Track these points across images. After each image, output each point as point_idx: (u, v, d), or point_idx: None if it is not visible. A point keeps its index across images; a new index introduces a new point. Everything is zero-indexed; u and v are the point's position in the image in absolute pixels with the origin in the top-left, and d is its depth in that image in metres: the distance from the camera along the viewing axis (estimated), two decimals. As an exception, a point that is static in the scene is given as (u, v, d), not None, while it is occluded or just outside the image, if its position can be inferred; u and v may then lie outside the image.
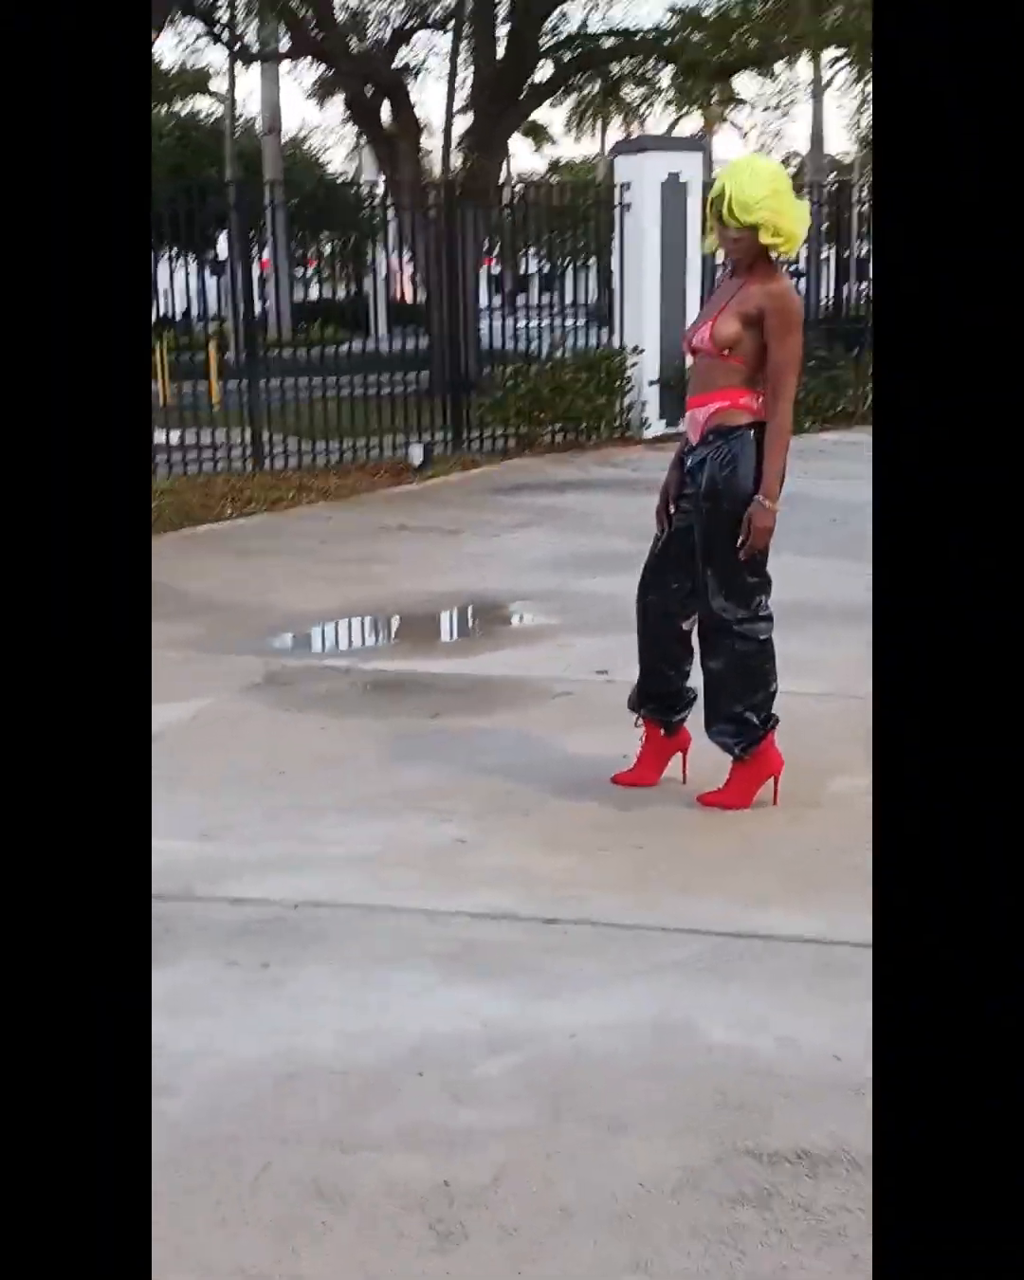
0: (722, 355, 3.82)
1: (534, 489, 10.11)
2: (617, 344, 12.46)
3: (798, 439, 12.68)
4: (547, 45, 16.74)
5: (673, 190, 12.25)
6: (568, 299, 14.17)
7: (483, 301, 15.57)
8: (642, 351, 12.24)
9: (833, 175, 32.20)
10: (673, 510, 4.01)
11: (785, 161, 33.82)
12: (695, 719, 4.13)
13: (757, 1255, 2.19)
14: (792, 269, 14.29)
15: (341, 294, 20.75)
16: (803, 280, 15.28)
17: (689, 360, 4.01)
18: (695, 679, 4.13)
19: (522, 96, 16.69)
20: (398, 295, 24.21)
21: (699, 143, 13.44)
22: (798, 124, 62.66)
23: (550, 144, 39.94)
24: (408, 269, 18.97)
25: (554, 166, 42.13)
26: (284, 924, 3.39)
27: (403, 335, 14.42)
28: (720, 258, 3.96)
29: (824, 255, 16.74)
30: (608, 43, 17.42)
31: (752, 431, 3.83)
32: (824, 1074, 2.68)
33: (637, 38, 17.36)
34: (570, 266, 14.54)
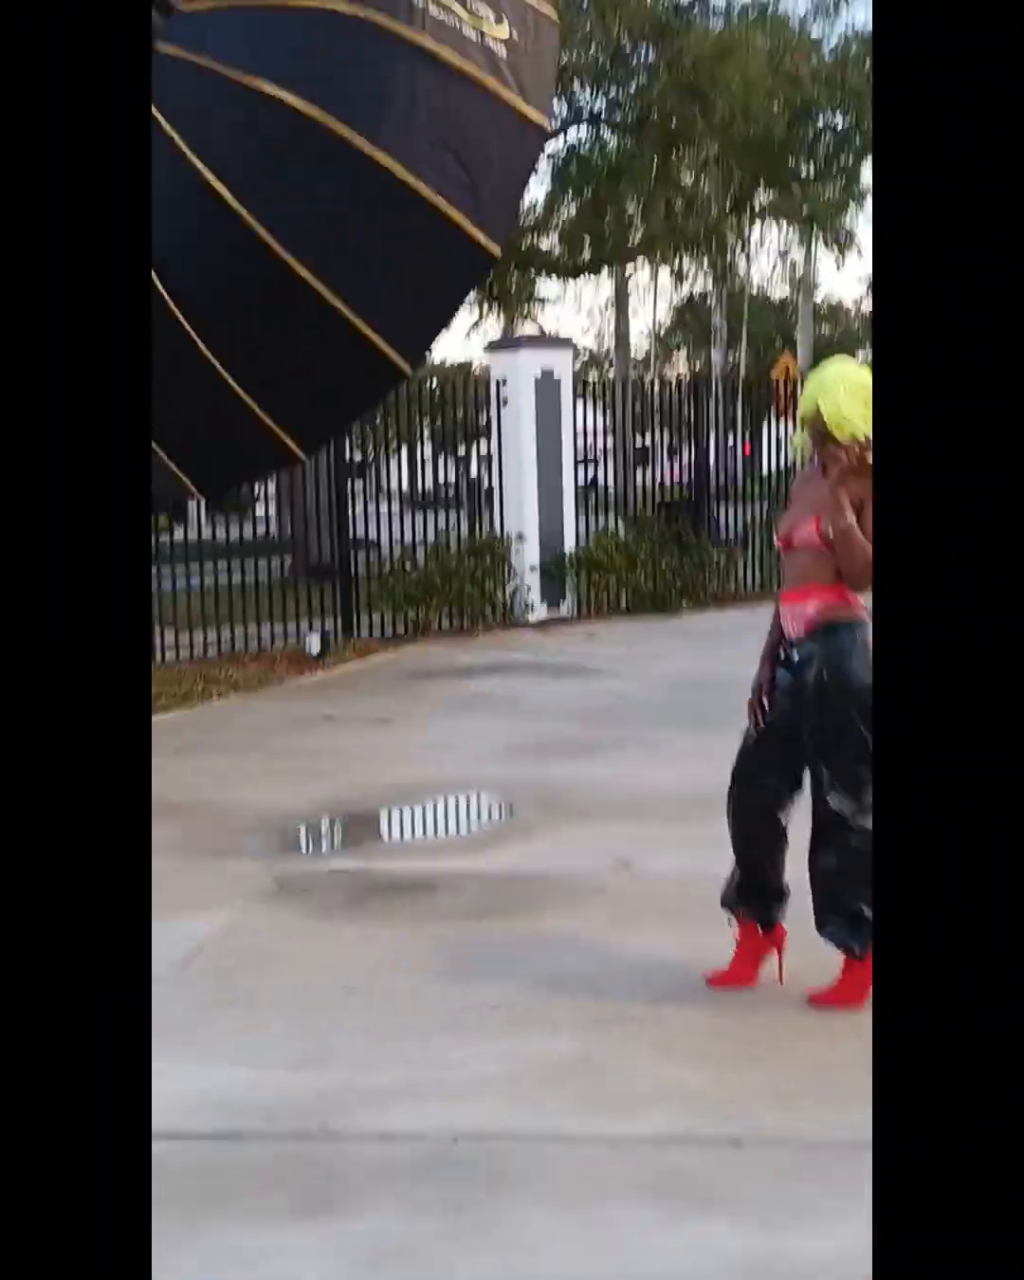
0: (829, 549, 3.84)
1: (444, 675, 10.04)
2: (499, 531, 12.60)
3: (682, 621, 13.00)
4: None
5: (547, 386, 12.60)
6: (432, 487, 14.33)
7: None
8: (524, 538, 12.40)
9: (635, 372, 33.68)
10: (767, 706, 3.98)
11: (586, 359, 35.30)
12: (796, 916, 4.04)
13: None
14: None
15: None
16: (651, 469, 15.74)
17: (783, 556, 4.03)
18: (789, 874, 4.06)
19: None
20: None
21: (568, 341, 13.87)
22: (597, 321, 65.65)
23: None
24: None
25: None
26: (451, 1159, 3.14)
27: (226, 523, 13.57)
28: (807, 455, 4.02)
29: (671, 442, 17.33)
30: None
31: (860, 626, 3.85)
32: None
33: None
34: (439, 456, 14.76)
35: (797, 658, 3.91)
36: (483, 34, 2.38)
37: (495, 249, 2.40)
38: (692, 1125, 3.27)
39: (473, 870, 5.32)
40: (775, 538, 4.07)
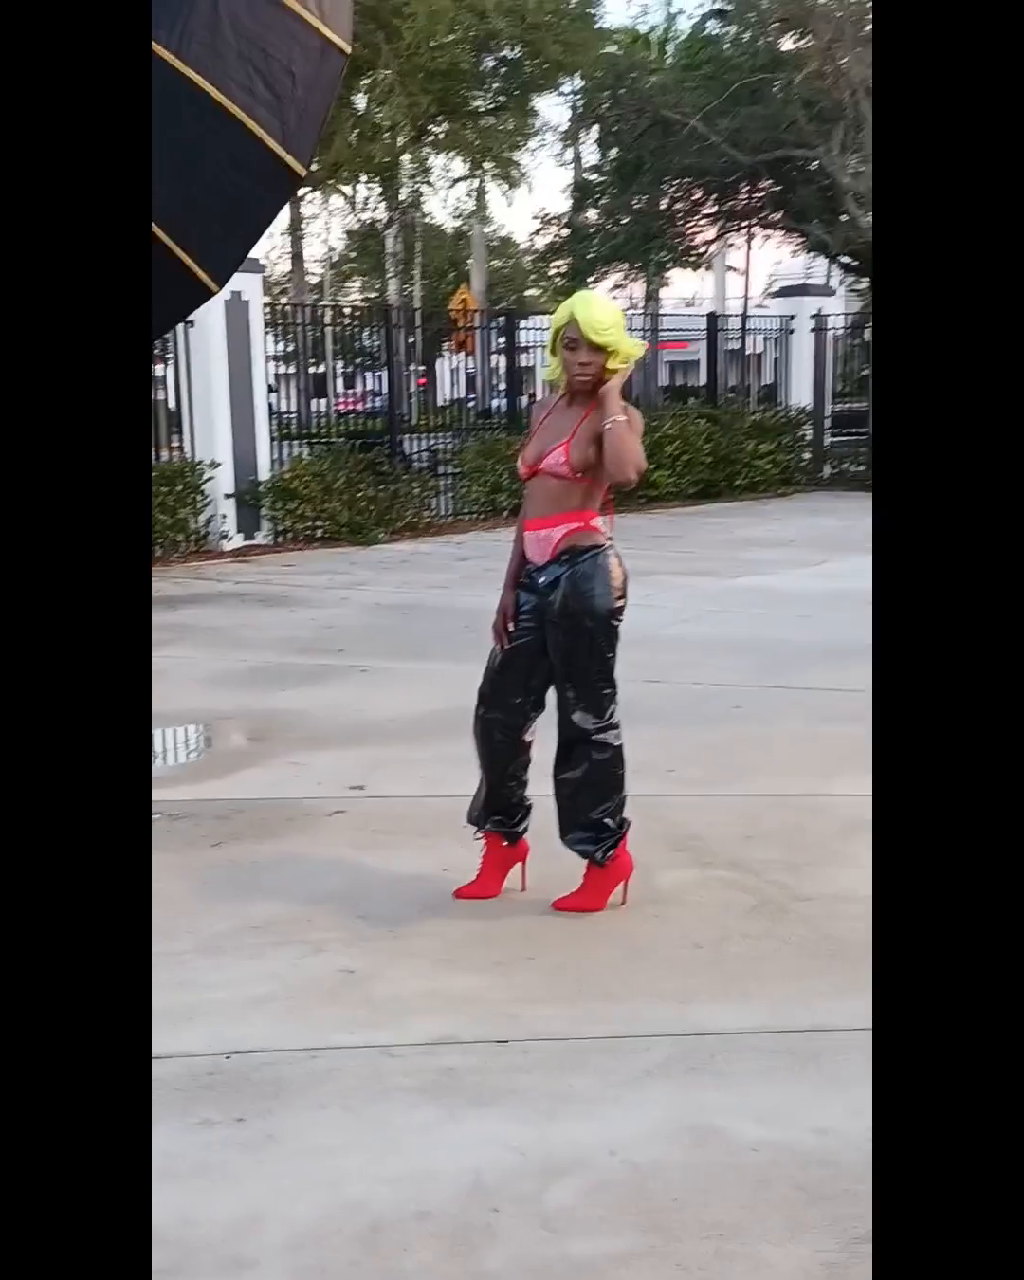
0: (576, 478, 3.99)
1: (143, 606, 9.82)
2: (191, 457, 12.35)
3: (378, 551, 13.09)
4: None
5: (236, 308, 12.36)
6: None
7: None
8: (218, 465, 12.20)
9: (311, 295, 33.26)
10: (511, 627, 4.12)
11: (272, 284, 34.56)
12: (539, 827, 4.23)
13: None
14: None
15: None
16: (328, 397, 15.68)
17: (527, 483, 4.15)
18: (533, 789, 4.23)
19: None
20: None
21: (258, 265, 13.60)
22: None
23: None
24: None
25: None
26: (230, 1075, 3.19)
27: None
28: (560, 385, 4.13)
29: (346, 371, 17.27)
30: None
31: (604, 552, 4.02)
32: (872, 1154, 2.84)
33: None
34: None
35: (541, 582, 4.05)
36: (284, -48, 2.37)
37: (303, 169, 2.40)
38: (456, 1029, 3.41)
39: (208, 798, 5.31)
40: (520, 465, 4.19)
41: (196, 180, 2.42)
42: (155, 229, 2.20)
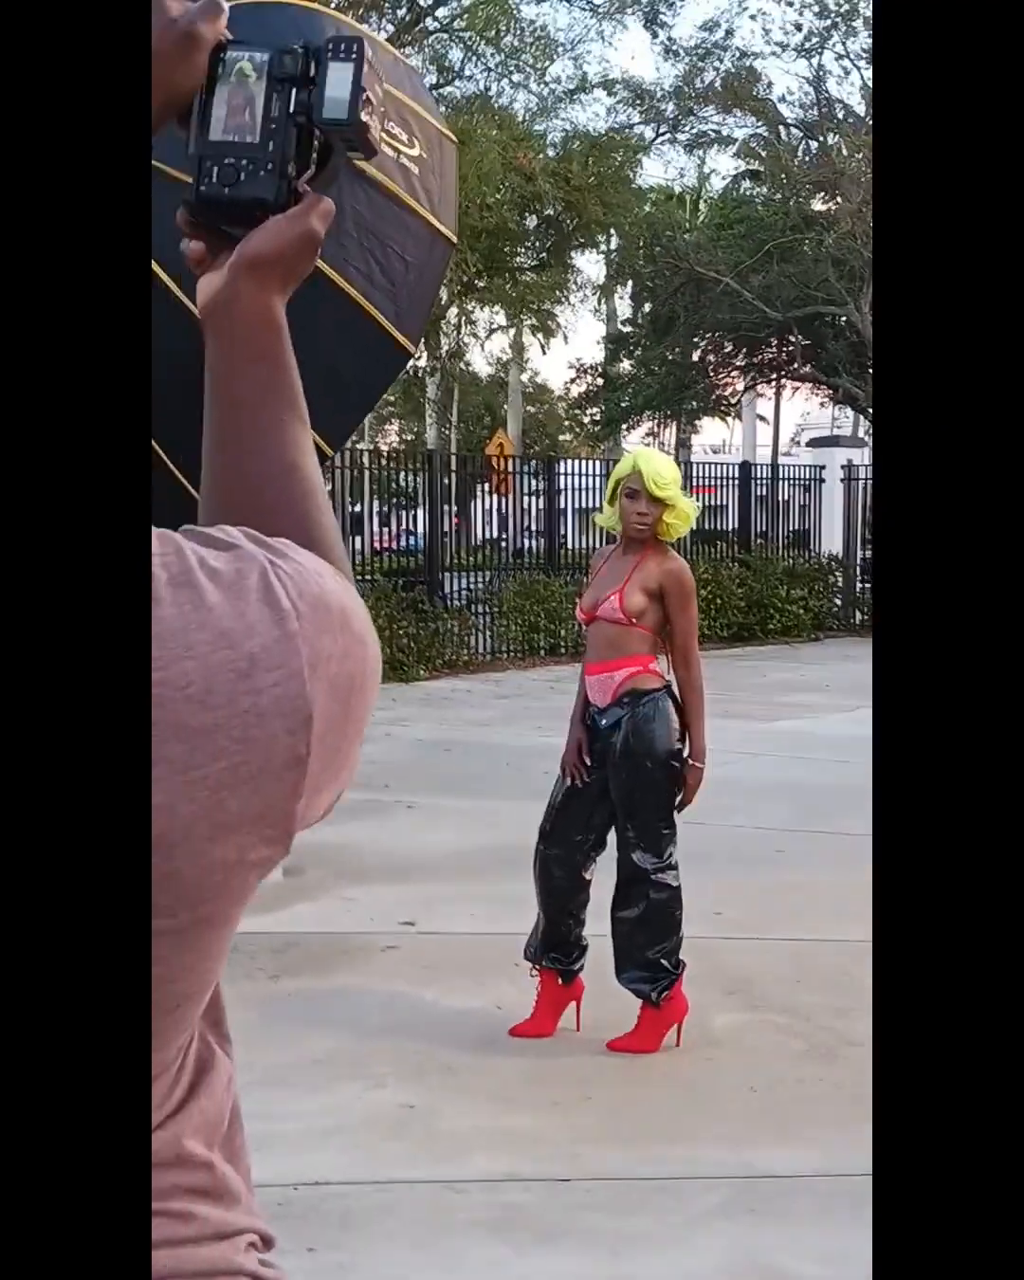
0: (630, 624, 4.16)
1: None
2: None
3: (418, 688, 13.18)
4: None
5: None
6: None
7: None
8: (263, 603, 12.47)
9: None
10: (587, 763, 4.23)
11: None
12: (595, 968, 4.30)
13: None
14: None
15: None
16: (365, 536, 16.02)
17: (586, 628, 4.32)
18: (590, 929, 4.32)
19: None
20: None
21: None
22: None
23: None
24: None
25: None
26: (297, 1206, 3.25)
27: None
28: (617, 532, 4.33)
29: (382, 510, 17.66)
30: None
31: (662, 694, 4.17)
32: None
33: None
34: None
35: (603, 723, 4.20)
36: (399, 153, 2.60)
37: (412, 347, 2.61)
38: (517, 1167, 3.47)
39: (262, 931, 5.39)
40: (578, 611, 4.38)
41: (313, 355, 2.66)
42: None
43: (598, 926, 4.28)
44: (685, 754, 4.12)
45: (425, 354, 28.44)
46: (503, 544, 19.05)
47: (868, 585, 20.44)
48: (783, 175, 25.20)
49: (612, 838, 4.24)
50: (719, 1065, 4.12)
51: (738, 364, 30.45)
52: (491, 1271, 2.98)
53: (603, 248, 28.19)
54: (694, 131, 26.66)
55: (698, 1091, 3.94)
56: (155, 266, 2.28)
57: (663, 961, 4.17)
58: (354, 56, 1.04)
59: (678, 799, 4.10)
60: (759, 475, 20.37)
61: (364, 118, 1.04)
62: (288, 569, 0.82)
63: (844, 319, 23.42)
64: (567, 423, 44.66)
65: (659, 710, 4.15)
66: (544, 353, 53.09)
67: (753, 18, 38.52)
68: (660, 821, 4.14)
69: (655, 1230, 3.16)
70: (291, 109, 1.03)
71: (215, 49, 1.01)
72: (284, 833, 0.84)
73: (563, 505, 18.12)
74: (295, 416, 1.00)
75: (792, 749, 9.65)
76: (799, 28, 24.76)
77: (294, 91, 1.03)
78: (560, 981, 4.34)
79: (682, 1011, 4.22)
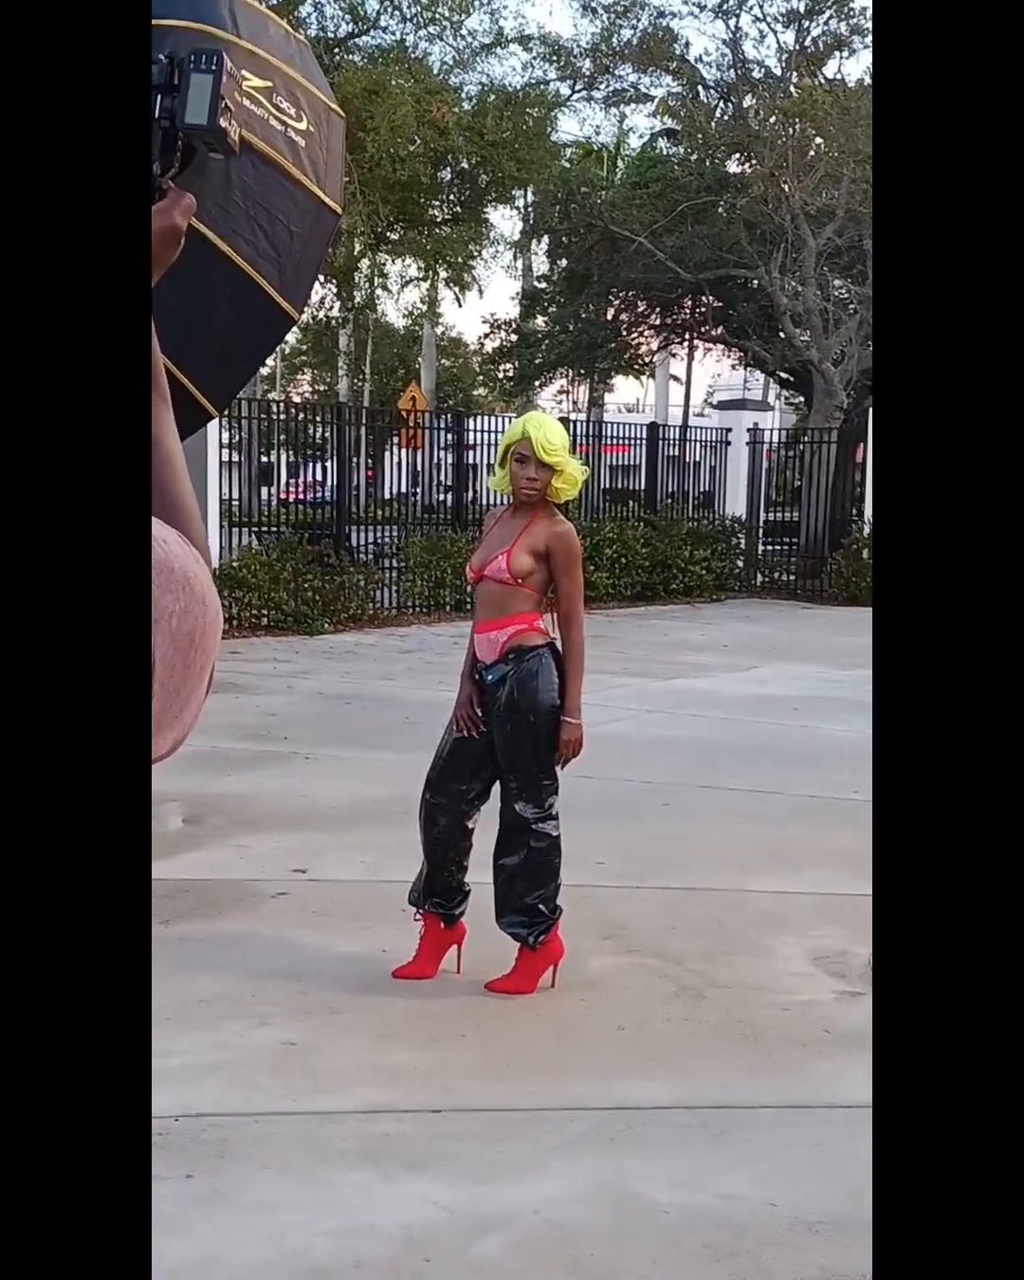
0: (515, 583, 4.31)
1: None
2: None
3: (322, 641, 13.23)
4: None
5: (194, 401, 12.69)
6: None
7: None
8: (167, 553, 12.45)
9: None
10: (478, 715, 4.37)
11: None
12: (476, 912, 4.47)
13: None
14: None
15: None
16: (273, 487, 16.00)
17: (475, 587, 4.46)
18: (472, 876, 4.48)
19: None
20: None
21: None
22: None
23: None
24: None
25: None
26: (177, 1137, 3.39)
27: None
28: (505, 495, 4.46)
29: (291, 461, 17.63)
30: None
31: (546, 651, 4.32)
32: (775, 1219, 3.08)
33: None
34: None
35: (489, 679, 4.34)
36: (287, 127, 2.70)
37: (296, 313, 2.72)
38: (393, 1099, 3.63)
39: (157, 878, 5.49)
40: (468, 571, 4.51)
41: (201, 320, 2.77)
42: (171, 367, 2.54)
43: (481, 875, 4.44)
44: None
45: (337, 305, 28.31)
46: (413, 499, 19.12)
47: (768, 547, 20.77)
48: (699, 135, 25.30)
49: (497, 789, 4.39)
50: (591, 1005, 4.31)
51: (651, 323, 30.63)
52: (359, 1195, 3.15)
53: (518, 203, 28.16)
54: (611, 89, 26.65)
55: (569, 1030, 4.13)
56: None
57: (540, 907, 4.34)
58: (214, 68, 1.17)
59: (559, 756, 4.26)
60: (667, 436, 20.57)
61: (222, 123, 1.17)
62: None
63: (755, 282, 23.61)
64: (481, 377, 44.62)
65: (542, 666, 4.30)
66: (460, 306, 52.88)
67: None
68: (541, 773, 4.29)
69: (521, 1158, 3.34)
70: (157, 114, 1.15)
71: None
72: None
73: (474, 461, 18.20)
74: (157, 394, 1.11)
75: (686, 707, 9.88)
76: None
77: (160, 98, 1.16)
78: (443, 925, 4.49)
79: (558, 954, 4.40)
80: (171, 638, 0.96)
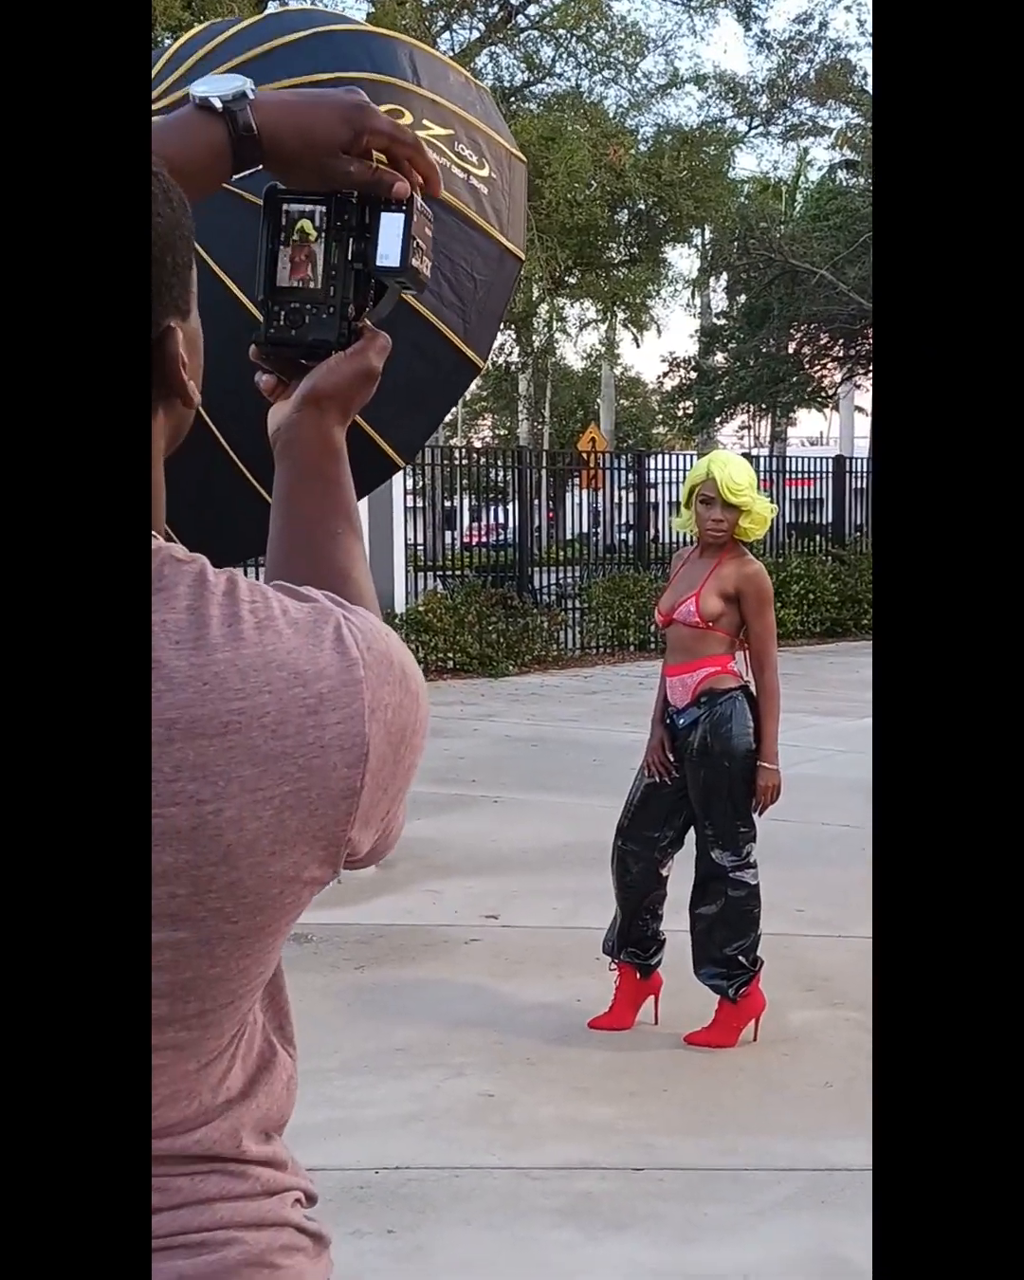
0: (706, 627, 4.22)
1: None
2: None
3: (507, 683, 13.26)
4: None
5: (379, 449, 12.88)
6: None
7: None
8: (356, 599, 12.65)
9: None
10: (671, 759, 4.29)
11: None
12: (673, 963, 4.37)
13: None
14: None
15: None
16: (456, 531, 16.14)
17: (665, 630, 4.39)
18: (668, 924, 4.39)
19: None
20: None
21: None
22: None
23: None
24: None
25: None
26: (378, 1190, 3.36)
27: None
28: (693, 536, 4.39)
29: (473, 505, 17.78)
30: None
31: (739, 694, 4.23)
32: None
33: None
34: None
35: (681, 723, 4.26)
36: (469, 174, 2.69)
37: (481, 362, 2.70)
38: (594, 1155, 3.55)
39: (347, 923, 5.52)
40: (657, 614, 4.45)
41: (388, 372, 2.75)
42: (357, 419, 2.51)
43: (677, 922, 4.35)
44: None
45: (517, 350, 28.57)
46: (594, 539, 19.12)
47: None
48: (879, 165, 24.87)
49: (691, 836, 4.30)
50: (795, 1060, 4.18)
51: (835, 355, 30.21)
52: (563, 1256, 3.07)
53: (695, 241, 28.11)
54: (787, 124, 26.49)
55: (773, 1085, 4.00)
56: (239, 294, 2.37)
57: (740, 958, 4.22)
58: (403, 208, 1.15)
59: (756, 803, 4.16)
60: (854, 468, 20.22)
61: (414, 262, 1.15)
62: (359, 624, 0.93)
63: (941, 310, 23.07)
64: (660, 416, 44.58)
65: (736, 709, 4.20)
66: (638, 346, 53.01)
67: (847, 9, 38.23)
68: (738, 820, 4.19)
69: (726, 1219, 3.23)
70: (349, 257, 1.13)
71: (272, 197, 1.13)
72: (335, 856, 0.93)
73: (654, 499, 18.14)
74: (350, 528, 1.11)
75: (881, 746, 9.61)
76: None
77: (351, 241, 1.13)
78: (638, 976, 4.41)
79: (759, 1007, 4.27)
80: (387, 731, 0.93)
